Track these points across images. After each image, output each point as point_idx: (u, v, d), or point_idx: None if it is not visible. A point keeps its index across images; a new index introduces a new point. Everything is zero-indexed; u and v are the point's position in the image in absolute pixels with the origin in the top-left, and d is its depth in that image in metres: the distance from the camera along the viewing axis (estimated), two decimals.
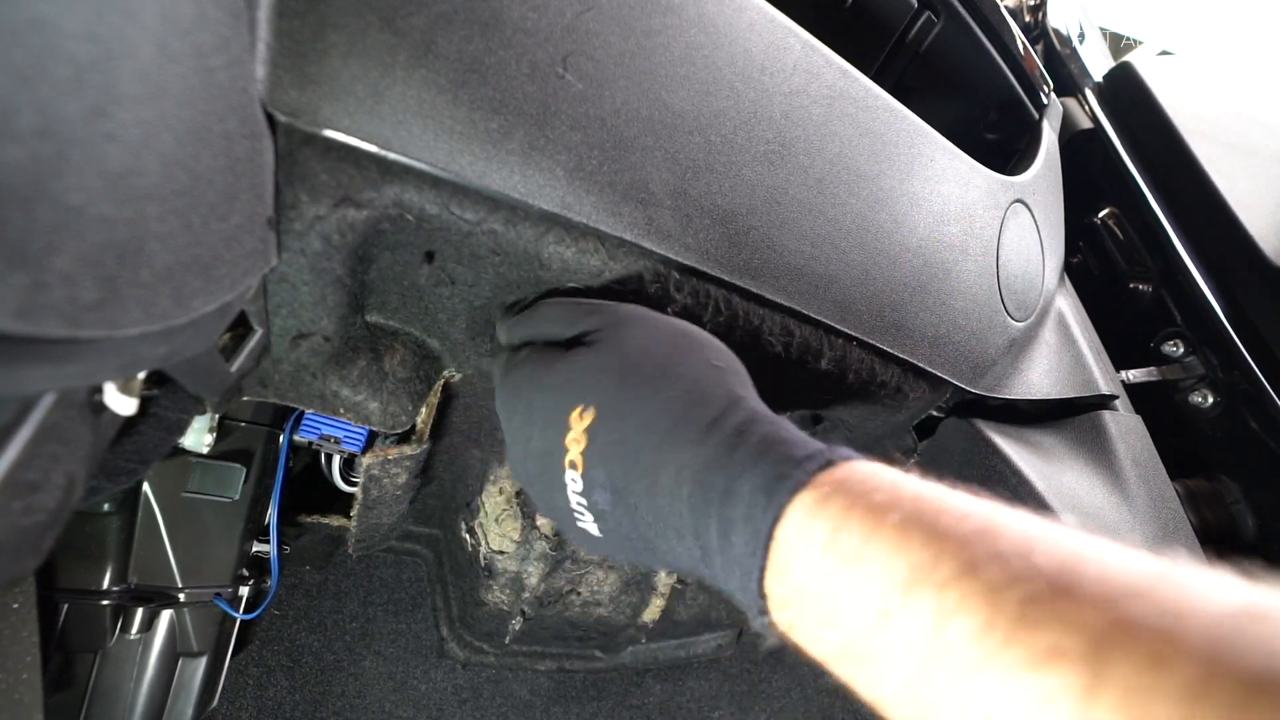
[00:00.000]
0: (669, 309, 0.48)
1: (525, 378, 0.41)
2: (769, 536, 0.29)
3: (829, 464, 0.30)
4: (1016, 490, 0.68)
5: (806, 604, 0.28)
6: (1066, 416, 0.80)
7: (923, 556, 0.24)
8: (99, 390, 0.30)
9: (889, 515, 0.26)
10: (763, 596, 0.29)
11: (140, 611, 0.75)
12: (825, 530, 0.27)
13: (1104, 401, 0.81)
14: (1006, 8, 0.78)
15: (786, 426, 0.34)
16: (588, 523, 0.38)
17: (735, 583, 0.31)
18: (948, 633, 0.22)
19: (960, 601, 0.22)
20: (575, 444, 0.37)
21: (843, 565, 0.26)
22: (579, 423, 0.37)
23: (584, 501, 0.37)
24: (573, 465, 0.37)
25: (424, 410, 0.57)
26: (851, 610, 0.26)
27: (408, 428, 0.56)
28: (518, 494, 0.84)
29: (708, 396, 0.35)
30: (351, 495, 0.71)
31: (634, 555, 0.38)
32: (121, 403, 0.31)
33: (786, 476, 0.30)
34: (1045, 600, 0.21)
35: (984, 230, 0.64)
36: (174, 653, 0.79)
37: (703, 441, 0.33)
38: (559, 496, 0.38)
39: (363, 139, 0.35)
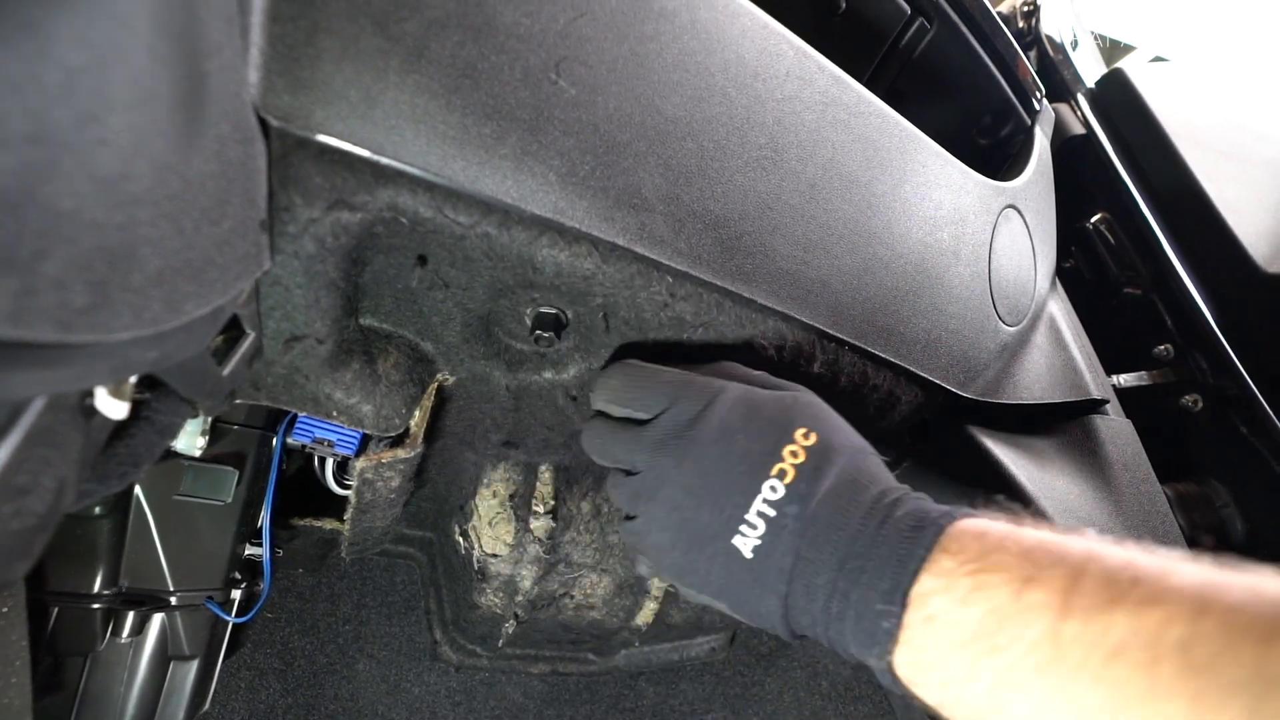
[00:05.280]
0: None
1: (750, 394, 0.46)
2: (933, 542, 0.36)
3: (968, 514, 0.38)
4: (1006, 494, 0.68)
5: (958, 581, 0.34)
6: (1058, 420, 0.80)
7: (1055, 545, 0.33)
8: (90, 394, 0.30)
9: (1023, 530, 0.35)
10: (904, 601, 0.35)
11: (131, 615, 0.75)
12: (979, 530, 0.36)
13: (1095, 406, 0.81)
14: (999, 14, 0.78)
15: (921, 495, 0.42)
16: (748, 539, 0.41)
17: (883, 585, 0.37)
18: (1082, 585, 0.30)
19: (1086, 565, 0.31)
20: (793, 456, 0.42)
21: (994, 548, 0.34)
22: (804, 440, 0.43)
23: (771, 513, 0.41)
24: (781, 474, 0.42)
25: (417, 413, 0.57)
26: (1000, 576, 0.33)
27: (401, 431, 0.56)
28: (511, 497, 0.84)
29: (876, 465, 0.44)
30: (344, 498, 0.71)
31: (750, 591, 0.42)
32: (113, 406, 0.31)
33: (943, 516, 0.38)
34: (1143, 568, 0.29)
35: (976, 235, 0.64)
36: (165, 656, 0.78)
37: (878, 501, 0.40)
38: (738, 503, 0.42)
39: (355, 144, 0.35)
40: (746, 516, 0.41)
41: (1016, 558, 0.33)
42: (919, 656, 0.35)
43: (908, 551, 0.36)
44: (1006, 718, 0.31)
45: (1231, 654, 0.25)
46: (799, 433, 0.43)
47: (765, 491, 0.41)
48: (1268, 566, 0.28)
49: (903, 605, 0.35)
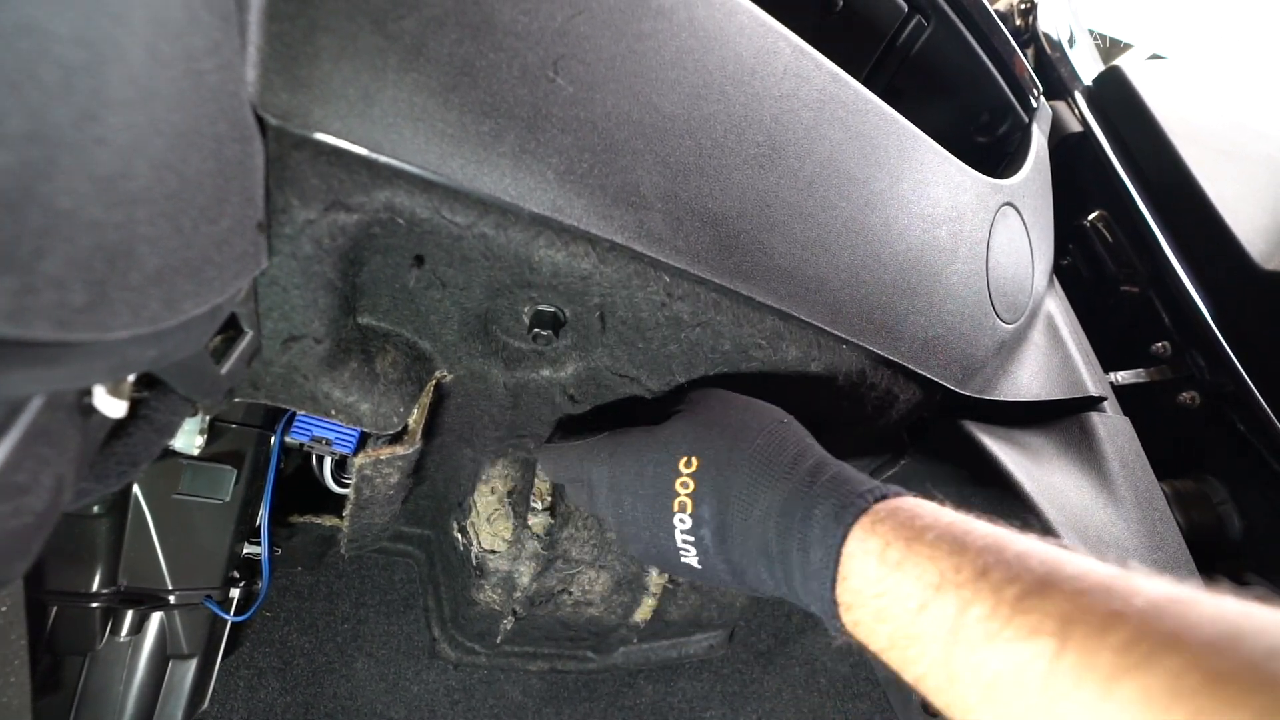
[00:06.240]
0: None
1: (632, 443, 0.51)
2: (839, 551, 0.38)
3: (883, 496, 0.40)
4: (1004, 491, 0.68)
5: (865, 604, 0.37)
6: (1056, 418, 0.81)
7: (948, 564, 0.33)
8: (88, 393, 0.30)
9: (926, 534, 0.35)
10: (835, 602, 0.38)
11: (130, 614, 0.75)
12: (879, 545, 0.37)
13: (1092, 403, 0.81)
14: (997, 11, 0.78)
15: (847, 468, 0.44)
16: (691, 557, 0.47)
17: (814, 592, 0.40)
18: (966, 618, 0.31)
19: (974, 596, 0.31)
20: (684, 487, 0.46)
21: (891, 572, 0.35)
22: (687, 469, 0.47)
23: (690, 538, 0.46)
24: (682, 508, 0.46)
25: (416, 411, 0.57)
26: (898, 606, 0.34)
27: (399, 429, 0.56)
28: (509, 493, 0.84)
29: (784, 445, 0.46)
30: (343, 496, 0.71)
31: (724, 582, 0.47)
32: (111, 405, 0.31)
33: (850, 505, 0.39)
34: (1033, 594, 0.29)
35: (974, 233, 0.64)
36: (164, 655, 0.78)
37: (785, 480, 0.43)
38: (666, 536, 0.48)
39: (354, 142, 0.35)
40: (678, 546, 0.47)
41: (914, 580, 0.34)
42: (861, 638, 0.38)
43: (822, 563, 0.39)
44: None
45: (1077, 694, 0.26)
46: (682, 463, 0.47)
47: (677, 525, 0.47)
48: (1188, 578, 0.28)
49: (834, 604, 0.39)
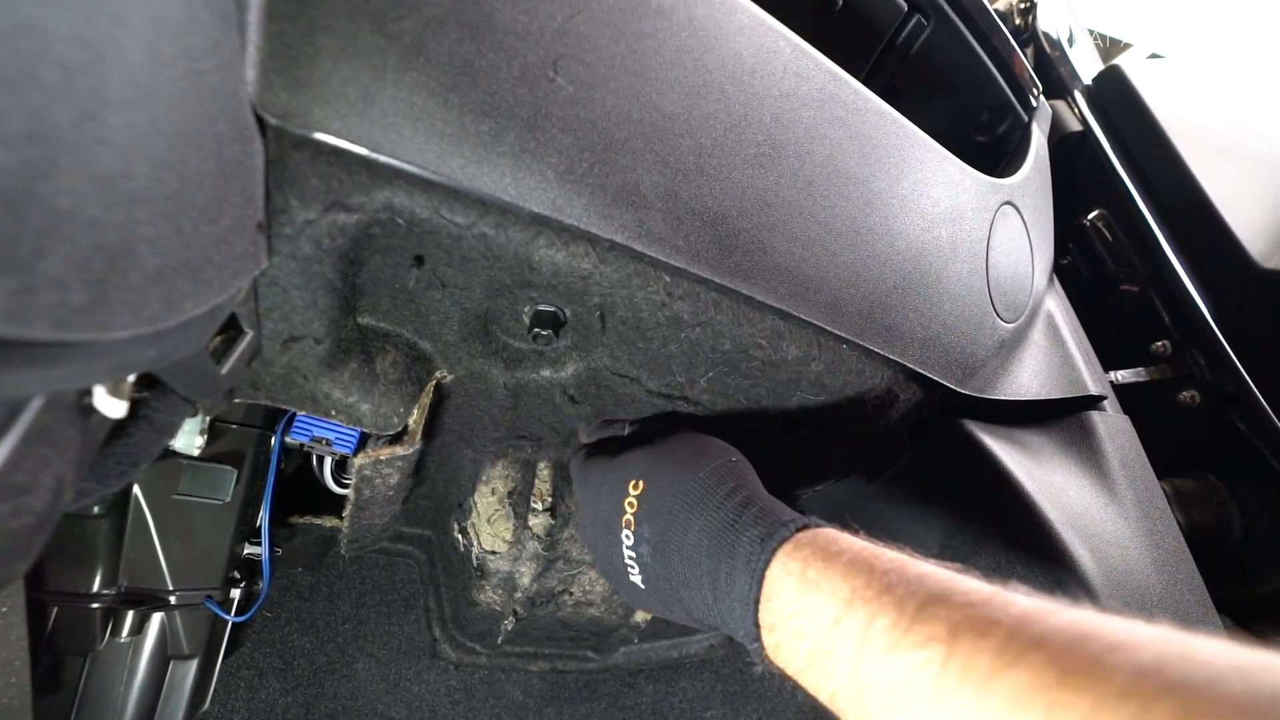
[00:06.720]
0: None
1: (600, 463, 0.57)
2: (762, 575, 0.42)
3: (804, 526, 0.44)
4: (1004, 490, 0.68)
5: (786, 624, 0.40)
6: (1055, 417, 0.81)
7: (860, 581, 0.37)
8: (88, 393, 0.30)
9: (840, 558, 0.40)
10: (757, 625, 0.42)
11: (130, 614, 0.75)
12: (799, 568, 0.41)
13: (1092, 402, 0.81)
14: (996, 11, 0.78)
15: (777, 503, 0.48)
16: (635, 576, 0.52)
17: (737, 616, 0.43)
18: (872, 630, 0.34)
19: (879, 609, 0.35)
20: (630, 507, 0.52)
21: (810, 591, 0.39)
22: (634, 491, 0.52)
23: (633, 555, 0.51)
24: (627, 525, 0.51)
25: (416, 411, 0.57)
26: (815, 623, 0.38)
27: (399, 429, 0.56)
28: (510, 494, 0.84)
29: (724, 479, 0.50)
30: (343, 497, 0.71)
31: (665, 606, 0.52)
32: (111, 405, 0.31)
33: (775, 533, 0.43)
34: (929, 605, 0.33)
35: (974, 232, 0.64)
36: (165, 655, 0.78)
37: (719, 509, 0.47)
38: (615, 553, 0.53)
39: (353, 142, 0.35)
40: (625, 563, 0.52)
41: (829, 597, 0.38)
42: (781, 661, 0.41)
43: (746, 585, 0.43)
44: None
45: (961, 694, 0.30)
46: (631, 484, 0.52)
47: (624, 541, 0.52)
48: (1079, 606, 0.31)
49: (755, 627, 0.42)
